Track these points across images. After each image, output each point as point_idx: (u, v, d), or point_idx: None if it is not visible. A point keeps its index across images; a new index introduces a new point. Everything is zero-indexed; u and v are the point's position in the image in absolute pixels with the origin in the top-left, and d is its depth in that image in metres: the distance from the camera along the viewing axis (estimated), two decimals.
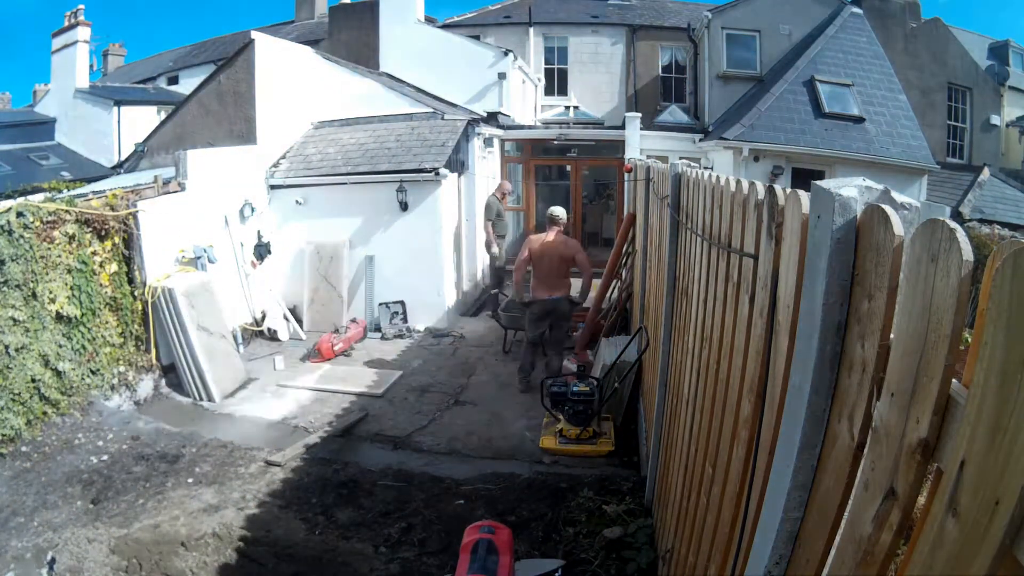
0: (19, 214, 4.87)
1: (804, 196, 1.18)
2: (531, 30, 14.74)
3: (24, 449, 4.57)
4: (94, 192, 6.28)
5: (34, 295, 4.89)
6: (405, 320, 8.08)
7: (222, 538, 3.61)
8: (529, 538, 3.62)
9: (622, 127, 11.33)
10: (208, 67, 14.28)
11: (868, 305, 0.93)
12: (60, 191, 7.15)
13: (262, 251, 7.79)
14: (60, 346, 5.05)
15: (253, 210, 7.66)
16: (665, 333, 3.29)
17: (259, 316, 7.70)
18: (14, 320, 4.70)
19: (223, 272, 6.95)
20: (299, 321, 7.99)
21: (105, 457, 4.66)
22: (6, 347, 4.61)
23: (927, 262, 0.78)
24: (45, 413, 4.84)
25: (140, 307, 5.86)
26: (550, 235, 5.90)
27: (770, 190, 1.43)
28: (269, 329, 7.60)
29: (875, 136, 10.11)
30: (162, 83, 17.59)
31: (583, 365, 5.50)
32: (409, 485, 4.31)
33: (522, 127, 12.21)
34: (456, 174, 8.76)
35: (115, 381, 5.53)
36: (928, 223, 0.79)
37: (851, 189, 0.99)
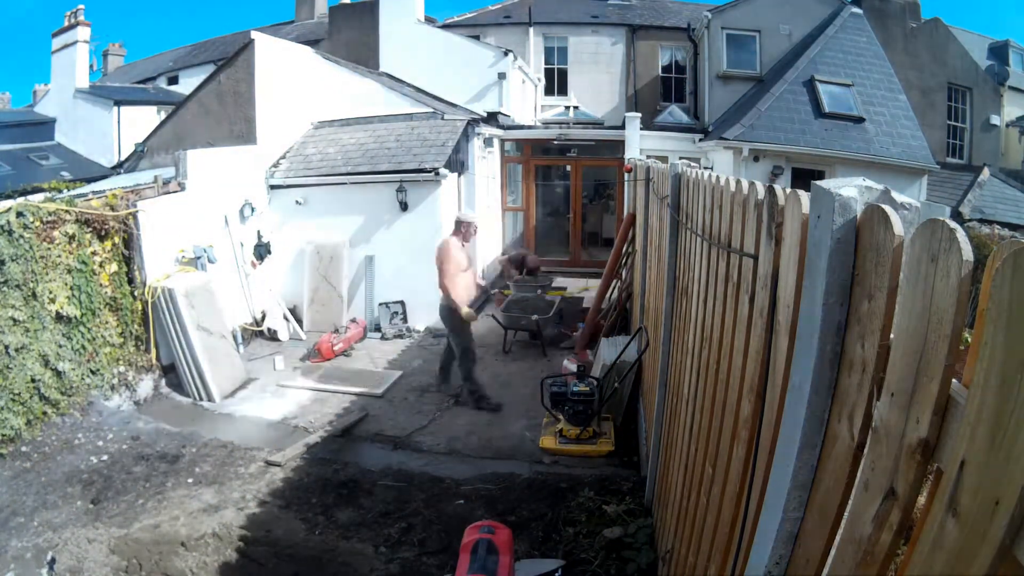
0: (19, 214, 4.87)
1: (804, 196, 1.18)
2: (531, 30, 14.74)
3: (24, 449, 4.57)
4: (94, 192, 6.28)
5: (34, 295, 4.89)
6: (405, 320, 8.08)
7: (222, 538, 3.61)
8: (529, 538, 3.62)
9: (622, 127, 11.33)
10: (208, 67, 14.28)
11: (868, 305, 0.93)
12: (60, 191, 7.15)
13: (262, 251, 7.79)
14: (60, 346, 5.05)
15: (253, 210, 7.66)
16: (665, 333, 3.29)
17: (259, 316, 7.70)
18: (14, 320, 4.70)
19: (223, 272, 6.95)
20: (299, 321, 7.99)
21: (105, 457, 4.66)
22: (6, 347, 4.61)
23: (927, 262, 0.78)
24: (45, 413, 4.84)
25: (140, 307, 5.86)
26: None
27: (770, 190, 1.43)
28: (269, 329, 7.60)
29: (875, 136, 10.11)
30: (162, 83, 17.59)
31: (583, 365, 5.50)
32: (409, 485, 4.31)
33: (522, 127, 12.21)
34: (456, 174, 8.75)
35: (115, 381, 5.53)
36: (928, 223, 0.79)
37: (851, 189, 0.99)
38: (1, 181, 10.84)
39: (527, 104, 13.86)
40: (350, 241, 8.17)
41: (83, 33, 13.79)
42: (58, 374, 4.98)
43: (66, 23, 13.84)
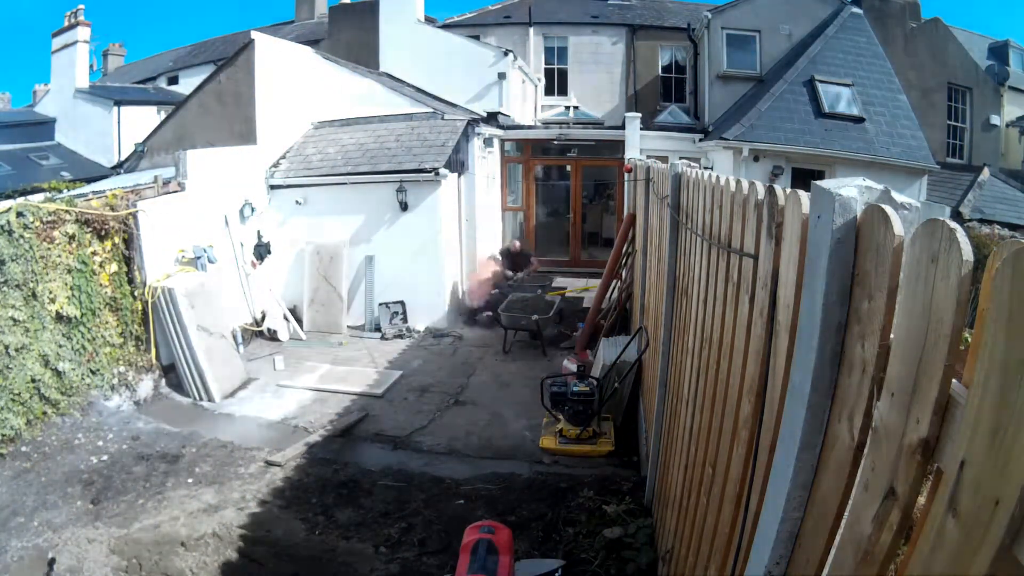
0: (19, 214, 4.87)
1: (804, 196, 1.18)
2: (531, 30, 14.74)
3: (24, 449, 4.57)
4: (94, 192, 6.28)
5: (34, 295, 4.89)
6: (405, 320, 8.08)
7: (222, 538, 3.61)
8: (529, 538, 3.62)
9: (622, 127, 11.32)
10: (208, 67, 14.27)
11: (868, 305, 0.93)
12: (60, 191, 7.15)
13: (262, 251, 7.79)
14: (60, 346, 5.05)
15: (253, 210, 7.66)
16: (665, 333, 3.29)
17: (259, 316, 7.70)
18: (14, 320, 4.70)
19: (223, 272, 6.95)
20: (299, 321, 7.99)
21: (105, 457, 4.66)
22: (6, 347, 4.61)
23: (927, 262, 0.78)
24: (45, 413, 4.84)
25: (140, 307, 5.86)
26: None
27: (770, 190, 1.43)
28: (269, 329, 7.60)
29: (875, 136, 10.10)
30: (162, 83, 17.58)
31: (583, 365, 5.50)
32: (409, 485, 4.31)
33: (522, 127, 12.21)
34: (456, 174, 8.75)
35: (115, 381, 5.52)
36: (928, 223, 0.79)
37: (851, 189, 0.99)
38: (1, 181, 10.84)
39: (527, 104, 13.86)
40: (350, 241, 8.17)
41: (83, 33, 13.79)
42: (58, 374, 4.98)
43: (66, 23, 13.84)
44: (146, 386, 5.84)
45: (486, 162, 10.37)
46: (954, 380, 0.74)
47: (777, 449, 1.22)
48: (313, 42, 12.41)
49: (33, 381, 4.77)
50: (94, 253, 5.47)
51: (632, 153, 10.32)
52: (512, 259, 9.58)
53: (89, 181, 9.32)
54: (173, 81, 17.56)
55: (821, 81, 10.73)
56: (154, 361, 5.97)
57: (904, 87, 11.19)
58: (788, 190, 1.33)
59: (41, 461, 4.51)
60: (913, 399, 0.80)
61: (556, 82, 15.16)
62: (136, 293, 5.83)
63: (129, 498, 4.10)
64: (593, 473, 4.42)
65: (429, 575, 3.37)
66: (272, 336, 7.59)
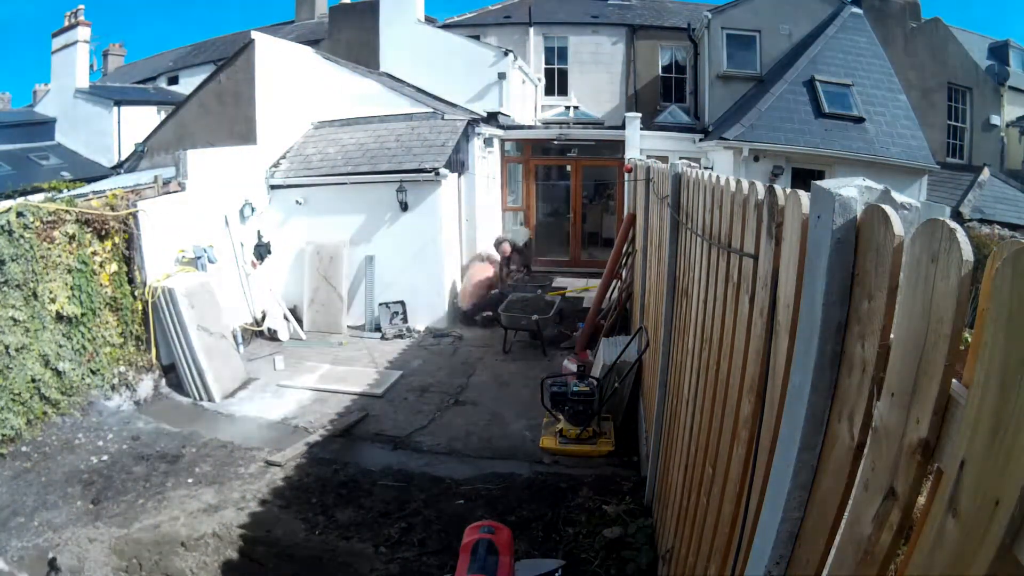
0: (19, 214, 4.87)
1: (804, 196, 1.18)
2: (531, 30, 14.73)
3: (24, 449, 4.57)
4: (94, 192, 6.28)
5: (34, 295, 4.89)
6: (405, 320, 8.08)
7: (222, 538, 3.61)
8: (529, 538, 3.62)
9: (622, 127, 11.32)
10: (208, 67, 14.27)
11: (868, 305, 0.93)
12: (60, 191, 7.15)
13: (262, 251, 7.79)
14: (60, 346, 5.05)
15: (253, 210, 7.66)
16: (665, 333, 3.29)
17: (259, 316, 7.70)
18: (14, 320, 4.70)
19: (223, 272, 6.95)
20: (299, 321, 7.99)
21: (105, 457, 4.66)
22: (6, 347, 4.61)
23: (927, 262, 0.78)
24: (45, 413, 4.84)
25: (140, 307, 5.86)
26: None
27: (770, 190, 1.43)
28: (269, 329, 7.61)
29: (875, 136, 10.10)
30: (162, 83, 17.58)
31: (583, 365, 5.51)
32: (409, 485, 4.31)
33: (522, 127, 12.21)
34: (456, 174, 8.75)
35: (115, 381, 5.53)
36: (928, 223, 0.79)
37: (851, 189, 0.99)
38: (1, 181, 10.84)
39: (527, 104, 13.86)
40: (350, 241, 8.17)
41: (83, 33, 13.79)
42: (58, 374, 4.98)
43: (66, 23, 13.84)
44: (146, 386, 5.84)
45: (486, 162, 10.37)
46: (954, 380, 0.74)
47: (777, 449, 1.22)
48: (313, 42, 12.41)
49: (33, 381, 4.77)
50: (94, 253, 5.47)
51: (632, 153, 10.32)
52: (510, 259, 9.62)
53: (89, 181, 9.32)
54: (173, 81, 17.56)
55: (821, 81, 10.72)
56: (154, 361, 5.97)
57: (904, 87, 11.18)
58: (788, 190, 1.33)
59: (41, 461, 4.51)
60: (913, 399, 0.80)
61: (556, 82, 15.16)
62: (136, 293, 5.83)
63: (129, 498, 4.10)
64: (593, 473, 4.42)
65: (429, 575, 3.37)
66: (272, 336, 7.59)
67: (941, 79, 13.41)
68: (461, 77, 11.79)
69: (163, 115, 11.48)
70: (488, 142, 10.43)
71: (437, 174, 7.70)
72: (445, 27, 14.34)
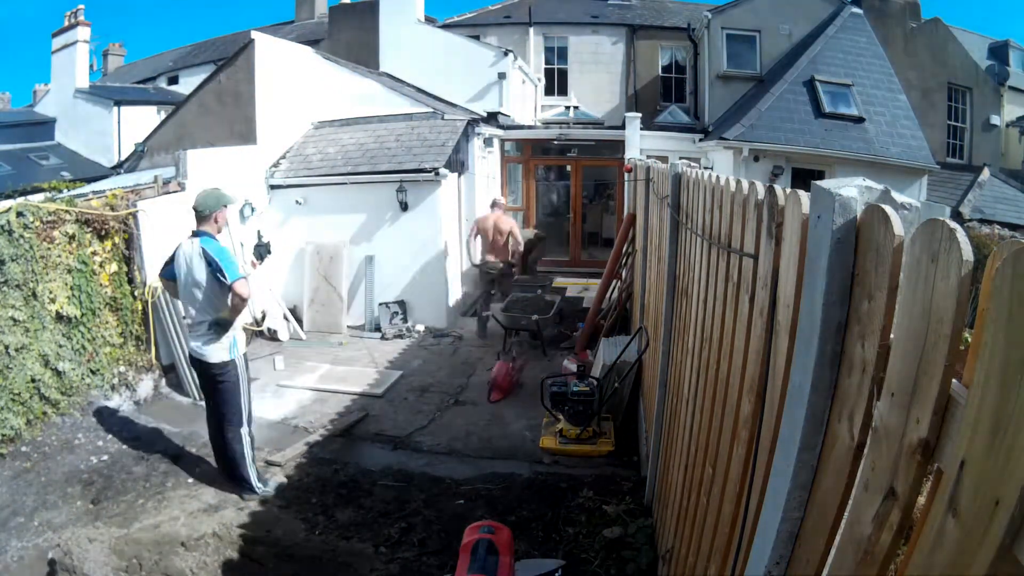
0: (19, 214, 4.87)
1: (804, 196, 1.18)
2: (531, 30, 14.74)
3: (24, 449, 4.57)
4: (94, 192, 6.28)
5: (34, 295, 4.89)
6: (405, 320, 8.08)
7: (222, 538, 3.60)
8: (529, 538, 3.62)
9: (622, 127, 11.33)
10: (208, 67, 14.28)
11: (868, 305, 0.93)
12: (60, 191, 7.15)
13: (262, 251, 7.74)
14: (60, 346, 5.05)
15: (253, 210, 7.66)
16: (665, 333, 3.29)
17: (259, 316, 7.70)
18: (14, 320, 4.70)
19: None
20: (299, 321, 7.99)
21: (105, 457, 4.66)
22: (6, 347, 4.61)
23: (927, 262, 0.78)
24: (45, 413, 4.84)
25: (140, 307, 5.86)
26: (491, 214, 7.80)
27: (770, 190, 1.43)
28: (269, 329, 7.61)
29: (875, 136, 10.10)
30: (162, 83, 17.59)
31: (583, 365, 5.51)
32: (409, 485, 4.31)
33: (522, 127, 12.21)
34: (456, 174, 8.76)
35: (115, 381, 5.52)
36: (928, 223, 0.79)
37: (851, 189, 0.99)
38: (1, 181, 10.85)
39: (527, 104, 13.86)
40: (350, 241, 8.17)
41: (83, 33, 13.80)
42: (58, 374, 4.98)
43: (66, 23, 13.85)
44: (146, 386, 5.84)
45: (486, 162, 10.37)
46: (954, 380, 0.74)
47: (777, 449, 1.22)
48: (313, 42, 12.41)
49: (33, 381, 4.77)
50: (94, 253, 5.47)
51: (632, 153, 10.32)
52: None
53: (89, 181, 9.32)
54: (173, 81, 17.57)
55: (821, 81, 10.73)
56: (154, 361, 5.97)
57: (904, 87, 11.19)
58: (788, 190, 1.33)
59: (41, 461, 4.51)
60: (913, 399, 0.80)
61: (556, 82, 15.16)
62: (136, 293, 5.83)
63: (129, 498, 4.10)
64: (593, 473, 4.42)
65: (429, 575, 3.37)
66: (272, 336, 7.59)
67: (941, 79, 13.41)
68: (461, 77, 11.79)
69: (163, 115, 11.48)
70: (488, 142, 10.44)
71: (437, 174, 7.70)
72: (445, 27, 14.34)
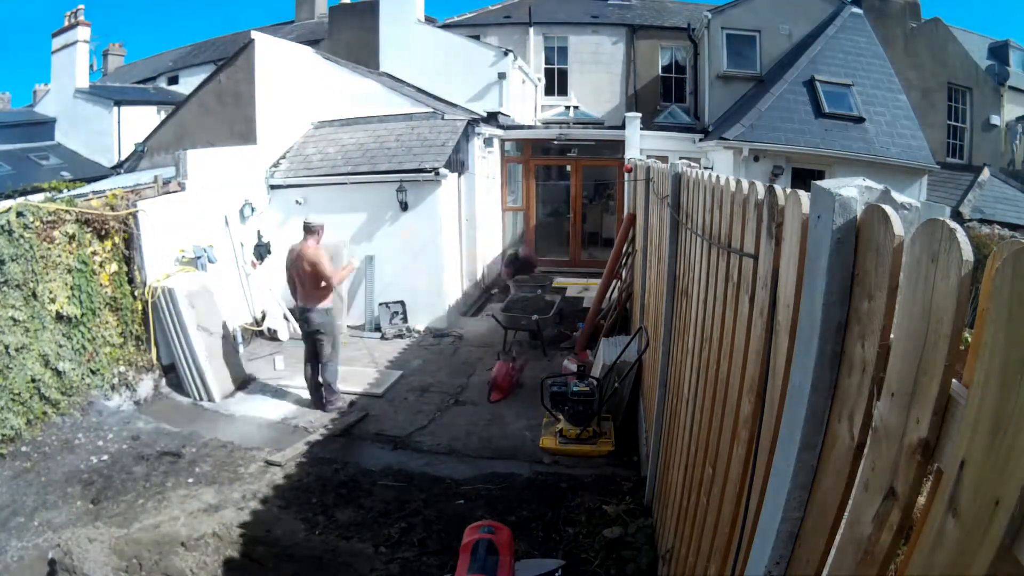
0: (19, 214, 4.87)
1: (804, 196, 1.18)
2: (531, 30, 14.73)
3: (24, 449, 4.57)
4: (94, 192, 6.28)
5: (34, 295, 4.89)
6: (405, 320, 8.08)
7: (222, 538, 3.60)
8: (529, 538, 3.62)
9: (622, 127, 11.32)
10: (208, 67, 14.27)
11: (868, 305, 0.93)
12: (60, 191, 7.15)
13: (262, 251, 7.79)
14: (60, 346, 5.05)
15: (253, 210, 7.66)
16: (665, 333, 3.29)
17: (259, 316, 7.70)
18: (14, 320, 4.70)
19: (223, 272, 6.95)
20: None
21: (105, 457, 4.66)
22: (6, 347, 4.61)
23: (927, 262, 0.78)
24: (45, 413, 4.84)
25: (140, 307, 5.86)
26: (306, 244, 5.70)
27: (770, 190, 1.43)
28: (269, 329, 7.60)
29: (875, 136, 10.10)
30: (162, 83, 17.58)
31: (583, 365, 5.50)
32: (409, 485, 4.31)
33: (522, 127, 12.21)
34: (456, 174, 8.75)
35: (115, 381, 5.52)
36: (928, 223, 0.79)
37: (851, 189, 0.99)
38: (1, 181, 10.85)
39: (527, 104, 13.86)
40: (350, 241, 8.17)
41: (83, 33, 13.79)
42: (58, 374, 4.98)
43: (66, 23, 13.84)
44: (146, 386, 5.84)
45: (486, 162, 10.37)
46: (954, 380, 0.74)
47: (777, 449, 1.22)
48: (313, 42, 12.41)
49: (33, 381, 4.77)
50: (94, 253, 5.47)
51: (632, 153, 10.32)
52: (517, 265, 9.66)
53: (89, 181, 9.32)
54: (173, 81, 17.56)
55: (821, 81, 10.72)
56: (154, 361, 5.97)
57: (904, 87, 11.18)
58: (788, 190, 1.33)
59: (41, 461, 4.51)
60: (913, 399, 0.80)
61: (556, 82, 15.15)
62: (136, 293, 5.83)
63: (129, 498, 4.10)
64: (593, 473, 4.42)
65: (429, 575, 3.37)
66: (272, 336, 7.59)
67: (941, 79, 13.41)
68: (461, 77, 11.78)
69: (163, 115, 11.48)
70: (488, 142, 10.43)
71: (437, 174, 7.70)
72: (445, 27, 14.34)
